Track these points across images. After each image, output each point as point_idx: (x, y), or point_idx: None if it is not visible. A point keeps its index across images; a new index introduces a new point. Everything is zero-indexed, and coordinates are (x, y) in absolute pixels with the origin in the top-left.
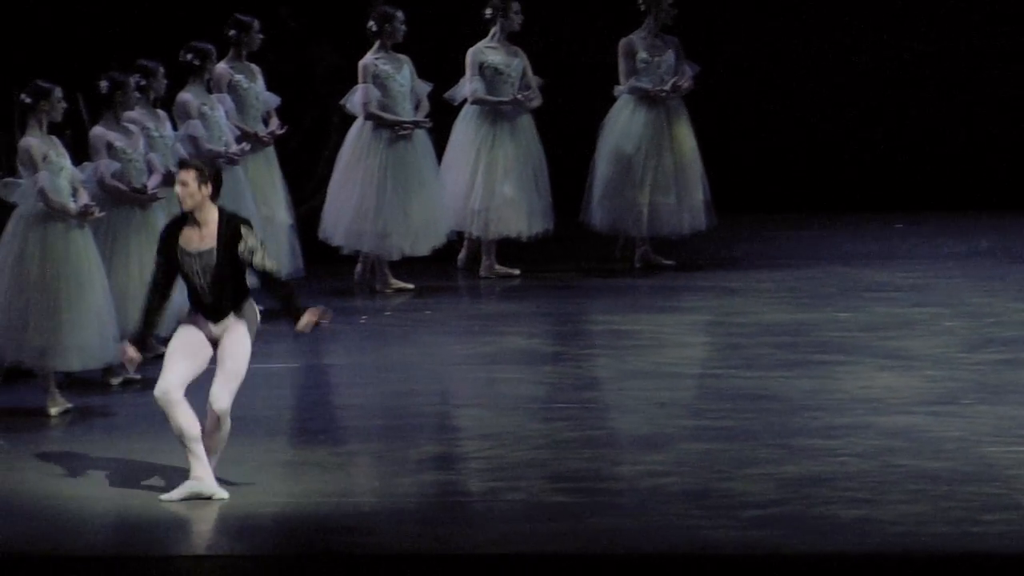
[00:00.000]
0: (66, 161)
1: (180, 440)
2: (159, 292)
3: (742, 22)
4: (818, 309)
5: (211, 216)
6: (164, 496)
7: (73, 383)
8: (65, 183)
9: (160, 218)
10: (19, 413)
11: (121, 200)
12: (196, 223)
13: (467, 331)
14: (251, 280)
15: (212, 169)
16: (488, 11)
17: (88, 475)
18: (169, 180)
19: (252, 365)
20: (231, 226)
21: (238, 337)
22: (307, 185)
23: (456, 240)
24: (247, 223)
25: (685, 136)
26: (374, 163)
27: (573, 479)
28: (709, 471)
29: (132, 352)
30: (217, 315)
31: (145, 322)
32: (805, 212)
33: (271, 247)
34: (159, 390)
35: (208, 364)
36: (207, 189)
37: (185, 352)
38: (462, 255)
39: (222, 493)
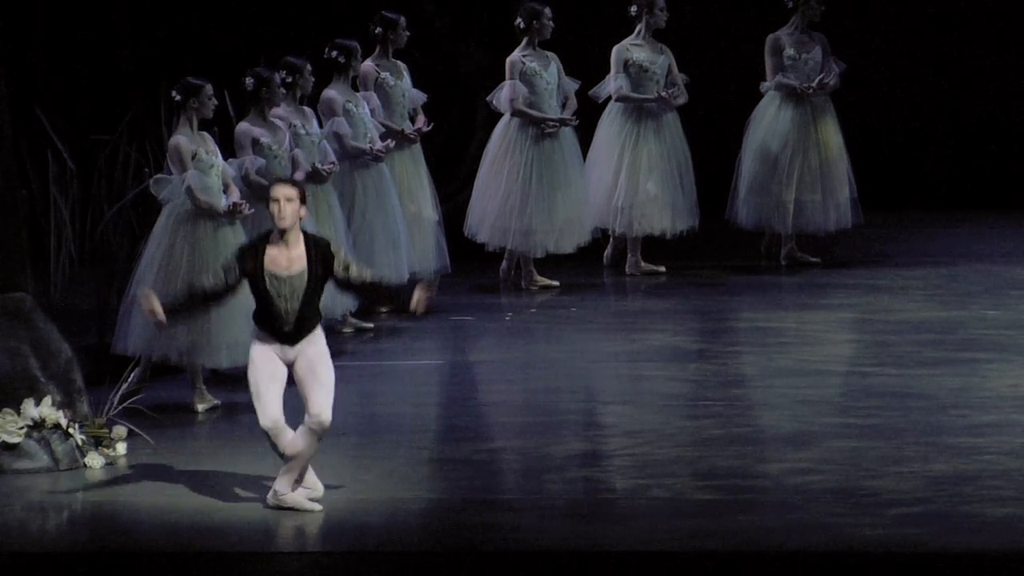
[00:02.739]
0: (217, 158)
1: (290, 460)
2: (214, 298)
3: (889, 18)
4: (965, 307)
5: (299, 238)
6: (274, 500)
7: (220, 380)
8: (216, 180)
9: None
10: (166, 409)
11: (265, 197)
12: (284, 244)
13: (612, 328)
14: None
15: (305, 192)
16: (633, 8)
17: (234, 472)
18: (313, 177)
19: (398, 362)
20: (320, 247)
21: (321, 350)
22: (453, 181)
23: (601, 237)
24: (333, 240)
25: (831, 133)
26: (520, 160)
27: (719, 476)
28: (855, 469)
29: (158, 308)
30: (295, 339)
31: (183, 314)
32: (952, 210)
33: (417, 244)
34: (269, 420)
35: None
36: (304, 211)
37: (273, 378)
38: (608, 252)
39: (322, 490)
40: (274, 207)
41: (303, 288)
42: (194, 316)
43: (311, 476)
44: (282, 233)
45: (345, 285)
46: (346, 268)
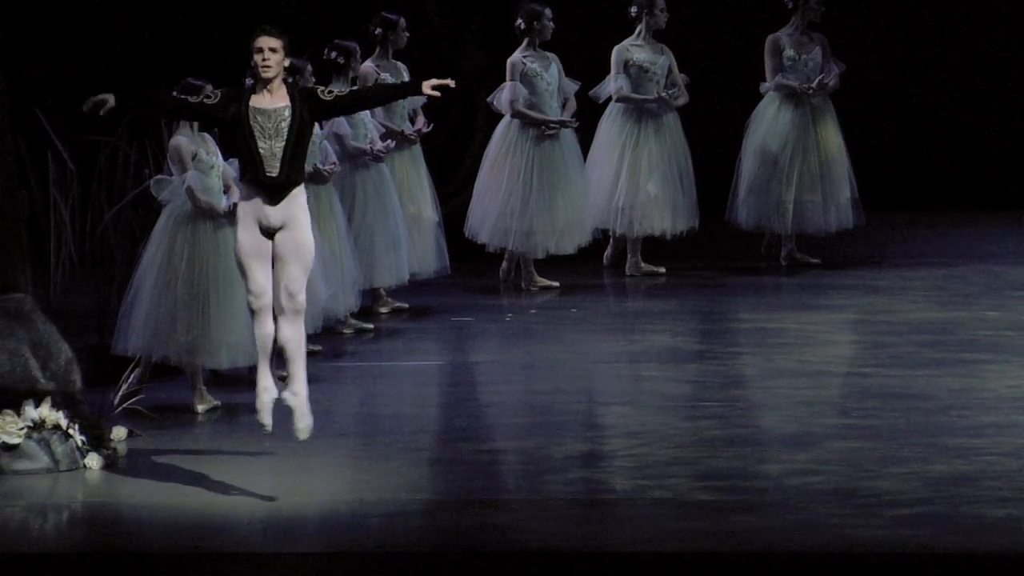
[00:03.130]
0: (217, 159)
1: (261, 346)
2: (184, 106)
3: (889, 18)
4: (965, 308)
5: (282, 86)
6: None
7: (220, 380)
8: (216, 181)
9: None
10: (166, 410)
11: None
12: (267, 92)
13: (612, 329)
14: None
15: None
16: (633, 9)
17: (233, 473)
18: (315, 177)
19: (398, 362)
20: (303, 91)
21: (303, 226)
22: (453, 182)
23: (601, 238)
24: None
25: (831, 134)
26: (520, 161)
27: (718, 477)
28: (855, 470)
29: (109, 98)
30: (281, 192)
31: (130, 96)
32: (952, 210)
33: (417, 245)
34: (258, 289)
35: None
36: (287, 61)
37: (256, 253)
38: (608, 253)
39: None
40: (257, 57)
41: (287, 126)
42: (152, 108)
43: (300, 381)
44: (266, 83)
45: (344, 104)
46: (330, 92)
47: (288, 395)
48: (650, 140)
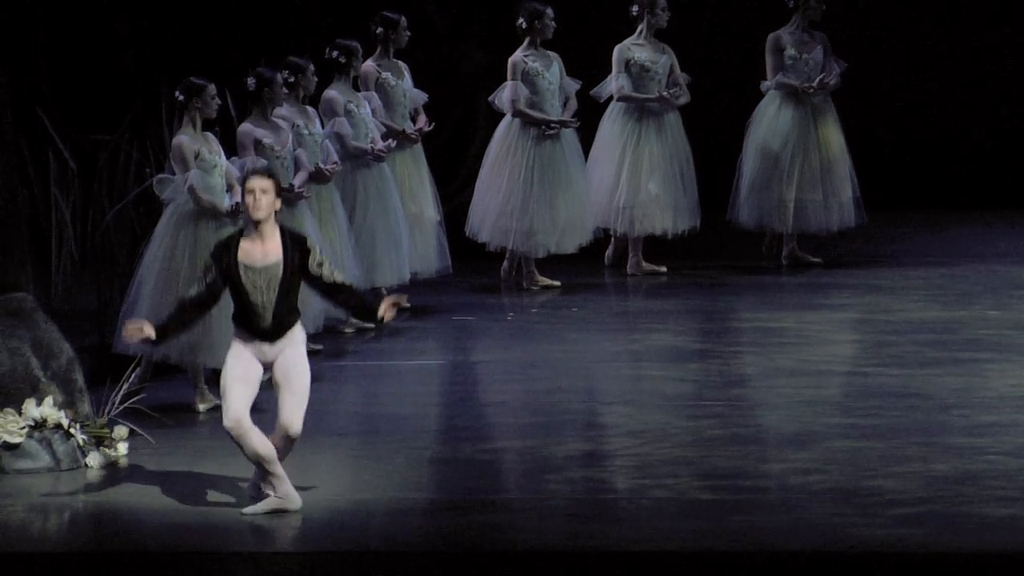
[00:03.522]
0: (220, 158)
1: (259, 464)
2: (200, 307)
3: (890, 18)
4: (966, 307)
5: (275, 231)
6: (247, 510)
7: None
8: (219, 180)
9: (306, 216)
10: (168, 409)
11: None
12: (259, 237)
13: (614, 328)
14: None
15: (280, 183)
16: (635, 8)
17: (236, 472)
18: (317, 177)
19: (399, 362)
20: (296, 240)
21: (298, 357)
22: (454, 182)
23: (603, 237)
24: (309, 237)
25: (832, 133)
26: (521, 160)
27: (720, 476)
28: (856, 469)
29: (149, 331)
30: (274, 335)
31: (168, 327)
32: (954, 209)
33: (418, 244)
34: (231, 420)
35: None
36: (278, 203)
37: (244, 379)
38: (609, 252)
39: (299, 503)
40: (249, 198)
41: (279, 279)
42: (188, 327)
43: (286, 486)
44: (256, 225)
45: (320, 287)
46: (319, 265)
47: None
48: (651, 139)
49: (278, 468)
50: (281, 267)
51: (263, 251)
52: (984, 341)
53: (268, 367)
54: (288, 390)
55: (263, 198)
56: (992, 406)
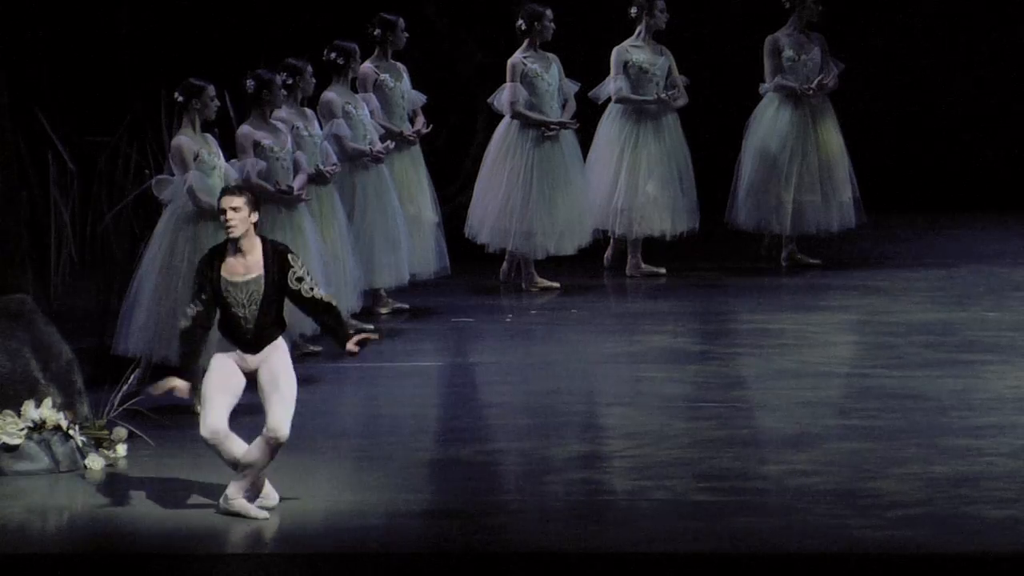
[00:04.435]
0: (219, 160)
1: (238, 469)
2: (201, 327)
3: (890, 18)
4: (966, 308)
5: (255, 244)
6: (221, 504)
7: None
8: (218, 181)
9: (306, 218)
10: (166, 410)
11: (267, 199)
12: (240, 252)
13: (613, 330)
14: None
15: (256, 197)
16: (633, 9)
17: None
18: (317, 179)
19: (398, 363)
20: (278, 253)
21: (282, 363)
22: (453, 183)
23: (602, 239)
24: (292, 251)
25: (831, 134)
26: (520, 162)
27: (719, 478)
28: (856, 470)
29: (179, 383)
30: (257, 346)
31: (189, 357)
32: (952, 211)
33: (417, 245)
34: (208, 431)
35: (242, 395)
36: (255, 216)
37: (222, 388)
38: (608, 254)
39: (276, 500)
40: (221, 217)
41: (260, 293)
42: (201, 349)
43: (267, 487)
44: (235, 242)
45: (299, 302)
46: (299, 280)
47: (264, 505)
48: (649, 141)
49: (256, 472)
50: (263, 282)
51: (245, 266)
52: (983, 343)
53: (251, 375)
54: (275, 394)
55: (234, 216)
56: (991, 408)
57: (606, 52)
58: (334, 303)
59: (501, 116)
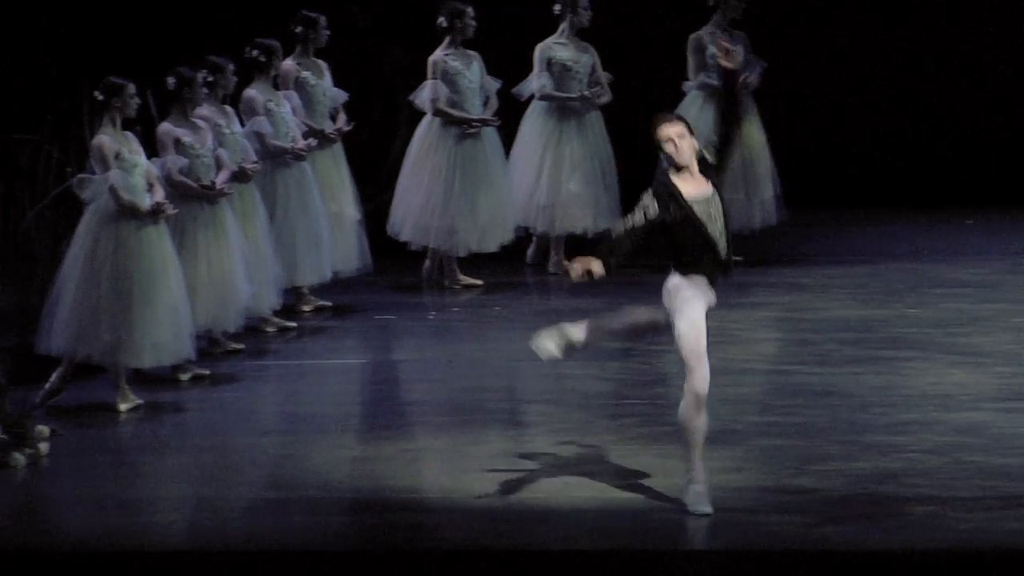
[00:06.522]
0: (141, 158)
1: (699, 437)
2: (635, 238)
3: (811, 15)
4: (888, 305)
5: (694, 164)
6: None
7: (143, 379)
8: (140, 180)
9: (228, 214)
10: (88, 409)
11: (189, 196)
12: (687, 174)
13: (535, 327)
14: None
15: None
16: (557, 7)
17: (156, 472)
18: (239, 176)
19: (321, 361)
20: (706, 165)
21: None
22: (375, 181)
23: (524, 236)
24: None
25: (754, 131)
26: (442, 159)
27: (641, 475)
28: (777, 467)
29: (596, 267)
30: (728, 267)
31: (614, 253)
32: (875, 208)
33: (339, 243)
34: (708, 385)
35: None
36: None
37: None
38: (531, 251)
39: None
40: (669, 146)
41: (720, 206)
42: (617, 261)
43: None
44: (680, 169)
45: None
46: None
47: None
48: (572, 138)
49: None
50: (717, 196)
51: (695, 185)
52: (905, 339)
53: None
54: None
55: (683, 143)
56: (912, 404)
57: (529, 49)
58: None
59: (423, 114)
